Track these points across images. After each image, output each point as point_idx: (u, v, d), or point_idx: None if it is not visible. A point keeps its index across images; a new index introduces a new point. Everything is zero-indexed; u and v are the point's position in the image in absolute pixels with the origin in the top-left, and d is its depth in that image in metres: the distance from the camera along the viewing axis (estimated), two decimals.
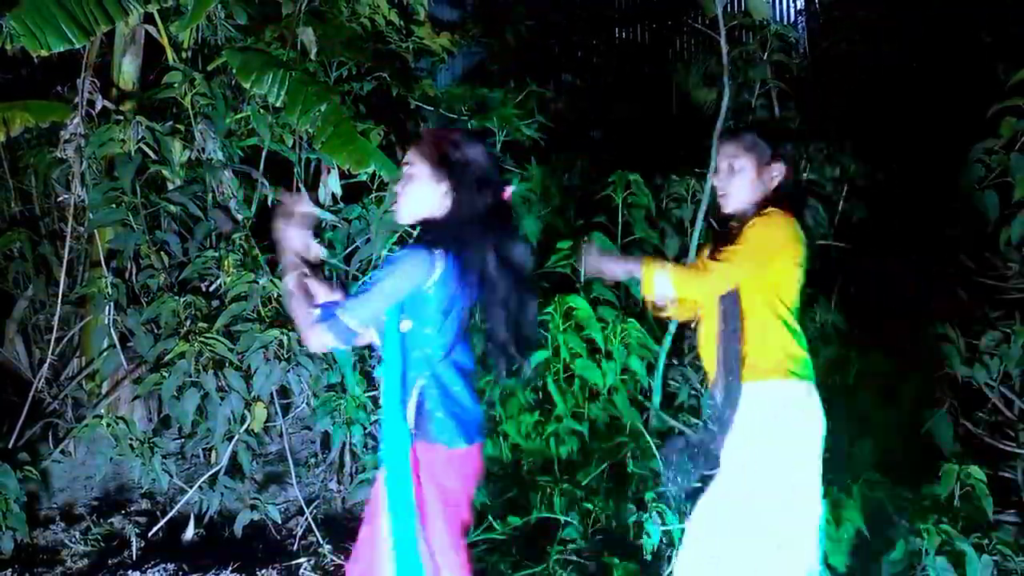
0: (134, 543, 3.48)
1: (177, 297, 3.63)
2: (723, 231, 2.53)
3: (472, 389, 2.13)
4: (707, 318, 2.45)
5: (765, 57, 4.44)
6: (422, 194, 2.08)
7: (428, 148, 2.09)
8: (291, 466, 3.70)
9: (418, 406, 2.06)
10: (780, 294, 2.35)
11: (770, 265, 2.33)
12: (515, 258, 2.06)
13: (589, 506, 3.43)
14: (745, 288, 2.34)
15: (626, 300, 3.91)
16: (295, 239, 2.08)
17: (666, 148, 4.88)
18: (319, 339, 2.02)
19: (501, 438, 3.80)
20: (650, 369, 3.78)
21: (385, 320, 2.04)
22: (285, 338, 3.54)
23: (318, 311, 2.01)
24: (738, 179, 2.40)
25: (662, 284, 2.35)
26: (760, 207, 2.38)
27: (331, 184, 3.96)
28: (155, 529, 3.58)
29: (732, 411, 2.35)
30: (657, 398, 3.81)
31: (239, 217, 3.89)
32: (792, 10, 7.51)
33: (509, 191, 2.12)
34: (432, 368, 2.05)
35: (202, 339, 3.52)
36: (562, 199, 4.36)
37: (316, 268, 2.14)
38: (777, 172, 2.40)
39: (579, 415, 3.74)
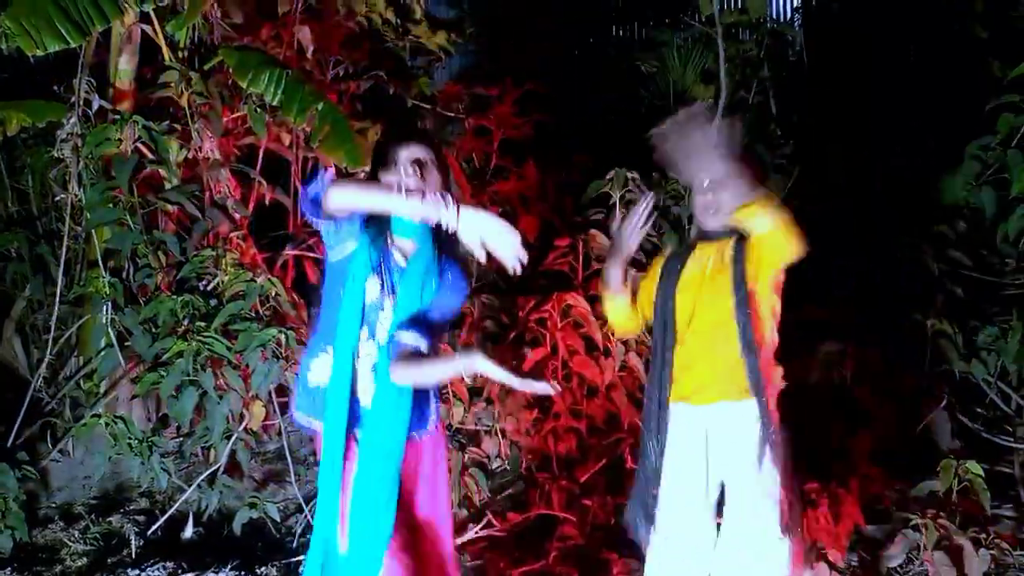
0: (133, 542, 3.48)
1: (175, 296, 3.62)
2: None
3: None
4: (701, 333, 2.34)
5: (762, 54, 4.44)
6: None
7: None
8: (290, 464, 3.69)
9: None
10: (777, 300, 2.31)
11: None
12: None
13: (588, 502, 3.43)
14: (762, 291, 2.26)
15: None
16: None
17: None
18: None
19: (500, 435, 3.81)
20: (648, 365, 3.77)
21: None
22: (283, 336, 3.53)
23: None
24: (733, 188, 2.17)
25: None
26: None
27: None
28: (154, 528, 3.58)
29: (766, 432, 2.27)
30: None
31: (237, 216, 3.89)
32: (789, 7, 7.52)
33: None
34: None
35: (200, 338, 3.51)
36: (559, 197, 4.36)
37: None
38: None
39: (577, 412, 3.74)
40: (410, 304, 2.07)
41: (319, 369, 2.16)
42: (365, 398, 2.11)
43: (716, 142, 2.07)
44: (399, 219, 2.03)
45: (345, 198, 1.93)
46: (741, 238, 2.26)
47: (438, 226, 1.98)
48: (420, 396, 2.13)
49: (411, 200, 1.85)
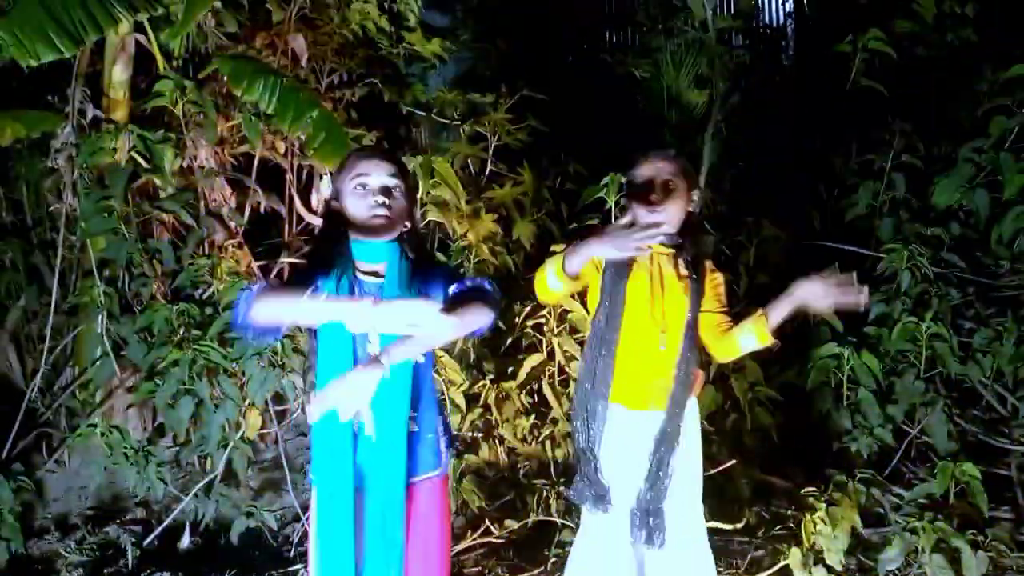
0: (129, 552, 3.47)
1: (170, 305, 3.61)
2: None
3: None
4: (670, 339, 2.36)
5: (754, 58, 4.45)
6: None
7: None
8: (287, 472, 3.67)
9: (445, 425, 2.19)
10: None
11: None
12: None
13: None
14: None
15: None
16: None
17: (659, 150, 4.85)
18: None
19: (497, 442, 3.78)
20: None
21: None
22: (279, 344, 3.52)
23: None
24: (676, 202, 2.29)
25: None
26: (683, 236, 2.34)
27: (324, 191, 3.96)
28: (151, 538, 3.57)
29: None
30: None
31: (232, 225, 3.88)
32: (781, 12, 7.54)
33: None
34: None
35: (196, 346, 3.51)
36: (555, 202, 4.36)
37: None
38: (696, 199, 2.35)
39: None
40: None
41: None
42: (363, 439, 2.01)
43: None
44: (362, 246, 2.01)
45: (270, 313, 1.87)
46: (691, 254, 2.36)
47: (404, 236, 2.05)
48: (418, 438, 2.04)
49: (336, 305, 1.81)
